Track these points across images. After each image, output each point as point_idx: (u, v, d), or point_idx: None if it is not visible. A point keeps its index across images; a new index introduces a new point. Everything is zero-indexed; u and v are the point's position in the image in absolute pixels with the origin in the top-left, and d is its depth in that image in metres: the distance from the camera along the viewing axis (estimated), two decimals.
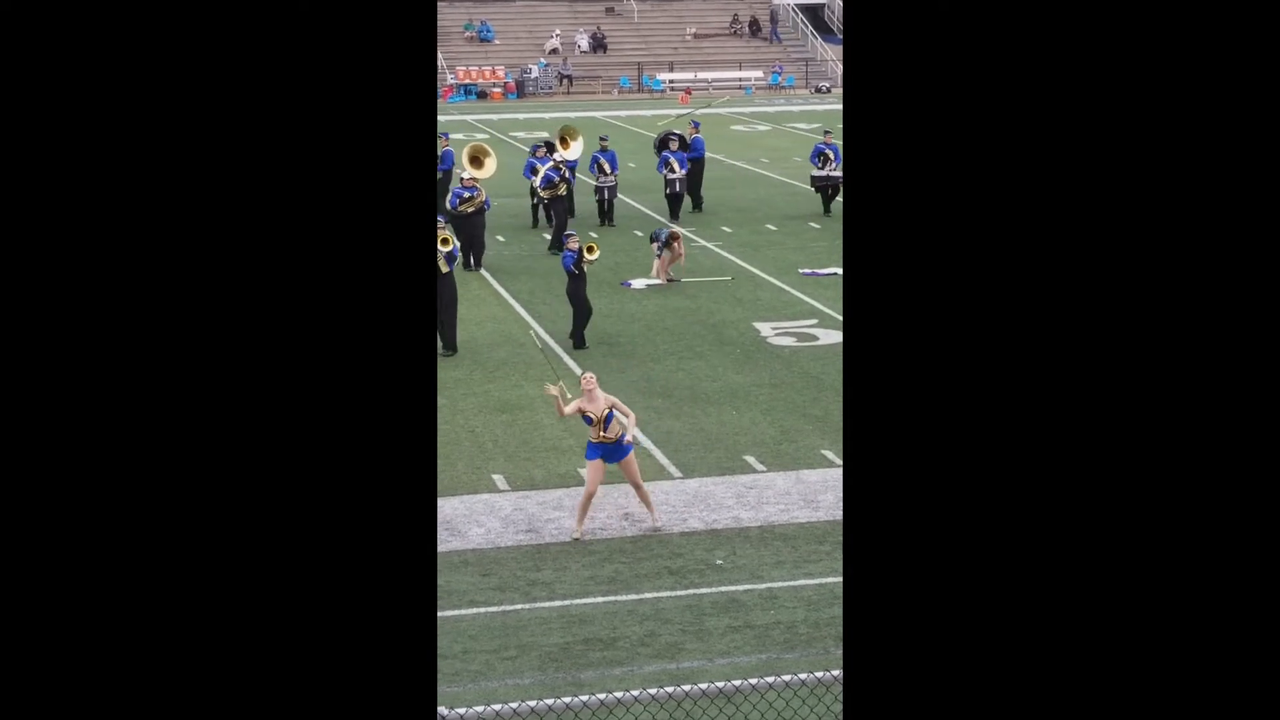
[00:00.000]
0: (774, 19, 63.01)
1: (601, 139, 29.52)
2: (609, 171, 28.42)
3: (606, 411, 12.96)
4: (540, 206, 27.81)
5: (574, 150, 28.14)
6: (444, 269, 19.37)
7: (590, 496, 13.07)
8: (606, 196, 28.56)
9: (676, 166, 28.67)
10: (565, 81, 59.35)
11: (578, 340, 19.70)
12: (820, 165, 29.29)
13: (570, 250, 19.80)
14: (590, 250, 20.14)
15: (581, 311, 19.79)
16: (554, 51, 60.83)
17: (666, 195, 28.94)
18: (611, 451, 13.01)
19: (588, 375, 13.39)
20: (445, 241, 19.67)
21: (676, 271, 23.75)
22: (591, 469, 13.09)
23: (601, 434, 12.96)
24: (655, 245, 23.92)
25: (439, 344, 19.21)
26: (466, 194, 24.45)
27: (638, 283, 23.35)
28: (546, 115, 50.24)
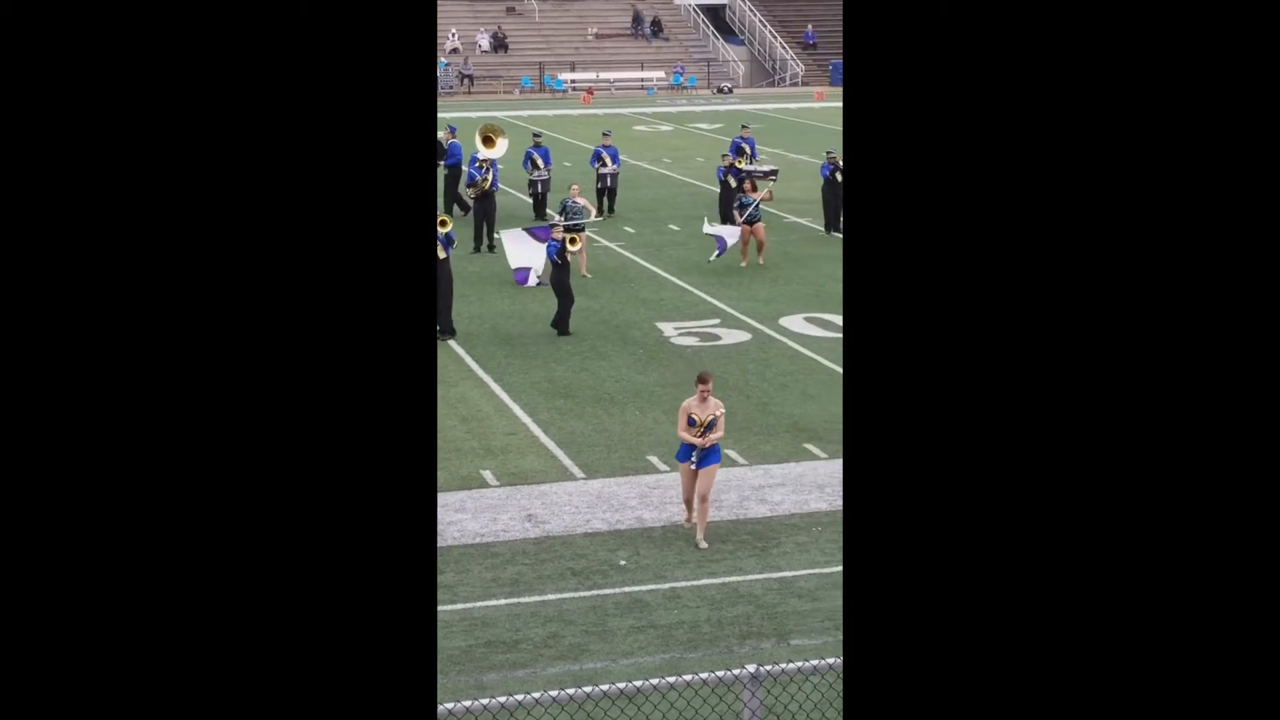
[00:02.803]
0: (637, 19, 62.93)
1: (535, 135, 30.22)
2: (542, 166, 28.83)
3: (711, 418, 12.79)
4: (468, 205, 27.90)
5: (499, 149, 28.08)
6: (441, 254, 19.59)
7: (688, 498, 13.01)
8: (540, 191, 28.88)
9: None
10: (466, 81, 59.09)
11: (562, 328, 20.17)
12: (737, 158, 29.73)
13: (554, 240, 20.42)
14: (573, 241, 20.76)
15: (565, 300, 20.29)
16: (454, 51, 60.54)
17: None
18: (702, 457, 12.78)
19: (707, 377, 13.13)
20: (444, 224, 19.86)
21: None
22: (680, 471, 13.05)
23: (701, 436, 12.77)
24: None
25: (448, 328, 19.69)
26: None
27: (534, 278, 23.29)
28: (447, 115, 49.92)
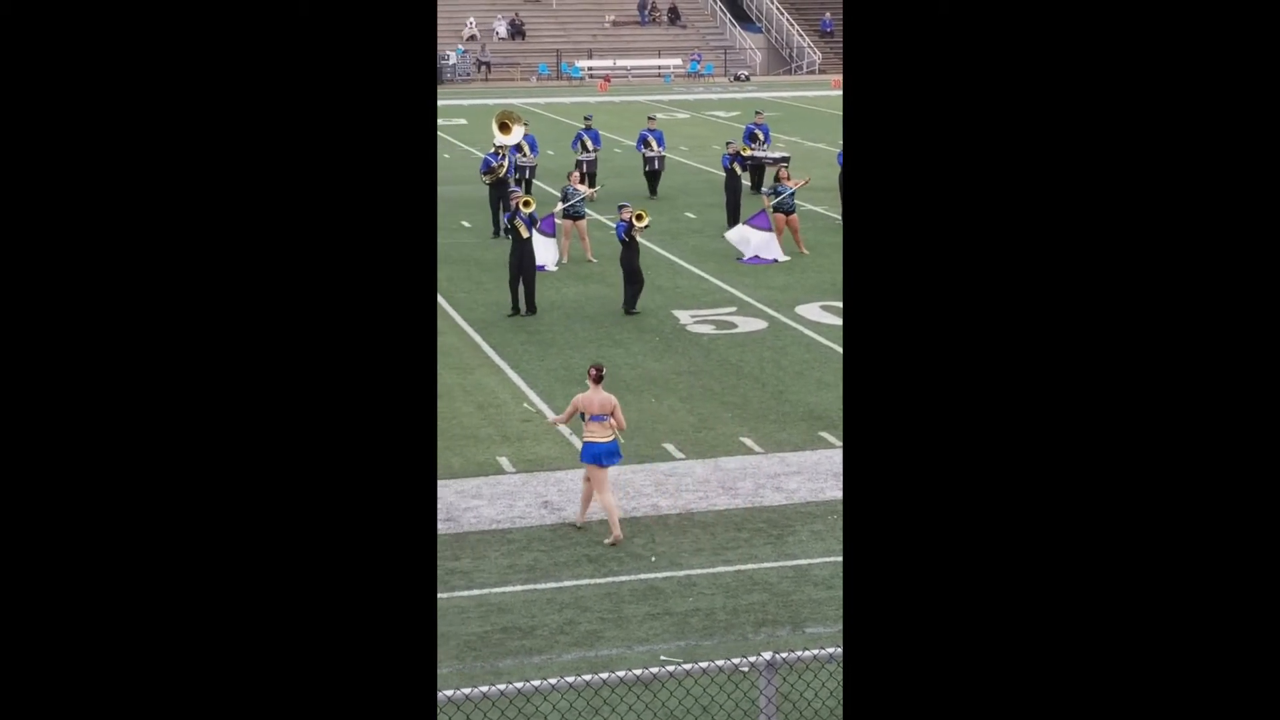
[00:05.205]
0: (643, 5, 62.95)
1: (586, 118, 31.55)
2: (591, 148, 30.17)
3: (597, 412, 12.48)
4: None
5: (515, 135, 28.17)
6: (524, 234, 20.20)
7: (604, 503, 12.61)
8: (586, 170, 29.48)
9: None
10: (483, 68, 59.08)
11: (630, 308, 20.45)
12: (752, 145, 29.97)
13: (622, 220, 20.63)
14: (640, 218, 20.76)
15: (634, 280, 20.51)
16: (472, 38, 60.53)
17: None
18: (601, 453, 12.50)
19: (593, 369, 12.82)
20: (527, 204, 20.46)
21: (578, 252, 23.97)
22: (588, 473, 12.64)
23: (587, 435, 12.50)
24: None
25: (521, 307, 20.36)
26: None
27: (550, 265, 23.32)
28: (465, 102, 50.00)
